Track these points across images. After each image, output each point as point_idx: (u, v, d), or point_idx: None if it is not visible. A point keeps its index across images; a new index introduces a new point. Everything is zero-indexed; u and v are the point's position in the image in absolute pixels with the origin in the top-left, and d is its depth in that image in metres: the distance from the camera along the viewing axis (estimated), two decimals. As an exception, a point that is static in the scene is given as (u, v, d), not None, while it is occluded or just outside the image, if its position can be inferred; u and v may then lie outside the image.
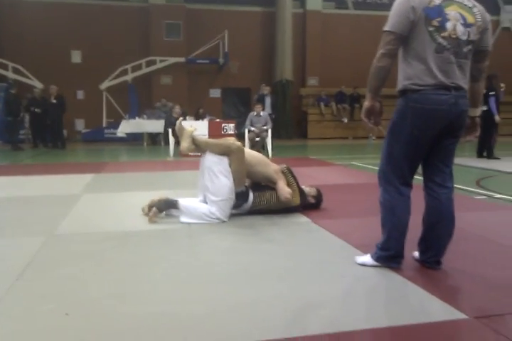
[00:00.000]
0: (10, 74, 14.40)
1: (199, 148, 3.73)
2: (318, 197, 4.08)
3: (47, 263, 2.69)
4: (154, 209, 3.64)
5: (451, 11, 2.29)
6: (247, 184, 3.83)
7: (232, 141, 3.69)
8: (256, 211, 3.80)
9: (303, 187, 4.00)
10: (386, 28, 2.32)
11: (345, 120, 15.66)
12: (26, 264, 2.64)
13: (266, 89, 12.38)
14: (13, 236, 3.29)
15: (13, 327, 1.90)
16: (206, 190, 3.62)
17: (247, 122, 9.98)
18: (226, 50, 15.62)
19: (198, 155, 3.86)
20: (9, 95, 11.89)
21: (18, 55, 14.59)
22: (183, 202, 3.66)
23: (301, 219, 3.76)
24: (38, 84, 13.99)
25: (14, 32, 14.78)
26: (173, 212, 3.71)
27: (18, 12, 14.79)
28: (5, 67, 14.44)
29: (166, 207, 3.69)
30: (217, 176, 3.57)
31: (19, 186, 5.60)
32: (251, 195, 3.76)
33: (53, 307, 2.07)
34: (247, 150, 3.91)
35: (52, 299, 2.16)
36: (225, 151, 3.64)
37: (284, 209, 3.85)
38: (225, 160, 3.63)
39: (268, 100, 12.06)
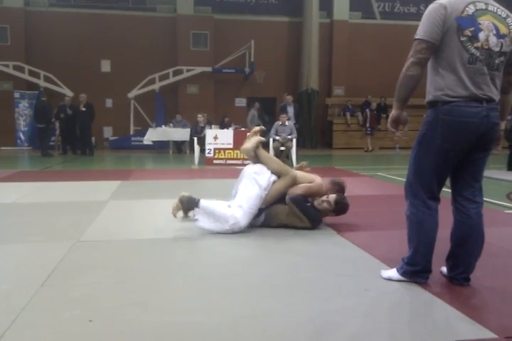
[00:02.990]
0: (41, 83, 14.81)
1: (257, 157, 3.82)
2: (338, 210, 3.77)
3: (72, 269, 2.73)
4: (177, 201, 3.73)
5: (485, 21, 2.24)
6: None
7: (289, 168, 3.87)
8: (268, 225, 3.73)
9: (316, 207, 3.74)
10: (417, 36, 2.27)
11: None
12: (51, 270, 2.68)
13: (288, 99, 12.37)
14: (40, 242, 3.35)
15: (37, 333, 1.92)
16: (237, 194, 3.63)
17: (272, 131, 9.99)
18: (252, 60, 15.73)
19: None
20: (39, 103, 12.21)
21: (49, 64, 14.99)
22: (204, 202, 3.63)
23: (326, 231, 3.72)
24: (69, 93, 14.32)
25: (46, 41, 15.19)
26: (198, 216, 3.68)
27: (50, 22, 15.21)
28: (37, 76, 14.86)
29: (187, 203, 3.69)
30: (253, 185, 3.61)
31: (48, 192, 5.71)
32: (263, 212, 3.72)
33: (77, 313, 2.09)
34: None
35: (76, 306, 2.18)
36: (280, 173, 3.73)
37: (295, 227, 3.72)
38: (268, 174, 3.69)
39: (291, 110, 12.03)
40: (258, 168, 3.76)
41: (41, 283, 2.46)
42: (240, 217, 3.51)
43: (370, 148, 14.35)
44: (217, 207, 3.59)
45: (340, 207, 3.75)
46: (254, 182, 3.62)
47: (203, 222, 3.59)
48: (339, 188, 3.91)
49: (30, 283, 2.47)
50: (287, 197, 3.68)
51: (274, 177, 3.73)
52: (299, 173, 3.89)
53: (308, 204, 3.78)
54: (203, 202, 3.63)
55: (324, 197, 3.73)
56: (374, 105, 14.81)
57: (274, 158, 4.00)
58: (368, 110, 14.62)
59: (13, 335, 1.89)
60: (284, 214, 3.70)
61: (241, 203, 3.55)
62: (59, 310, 2.12)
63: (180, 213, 3.82)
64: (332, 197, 3.72)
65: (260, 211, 3.67)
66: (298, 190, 3.71)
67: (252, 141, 3.85)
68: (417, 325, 2.03)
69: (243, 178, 3.71)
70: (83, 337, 1.89)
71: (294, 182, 3.75)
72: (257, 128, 4.08)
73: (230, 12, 16.32)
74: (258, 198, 3.58)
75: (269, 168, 3.75)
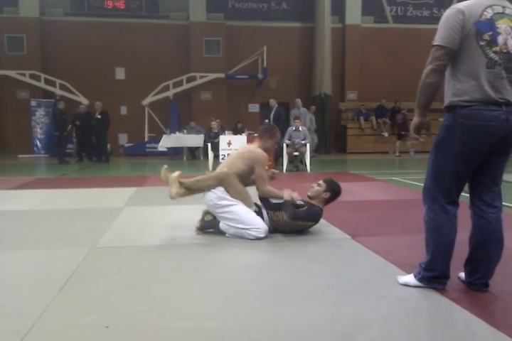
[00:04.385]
0: (57, 91, 15.03)
1: (190, 189, 3.75)
2: (330, 187, 3.74)
3: (88, 275, 2.75)
4: (198, 225, 3.74)
5: (502, 25, 2.21)
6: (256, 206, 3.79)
7: (219, 170, 3.79)
8: (274, 230, 3.71)
9: (309, 194, 3.77)
10: (435, 42, 2.25)
11: (386, 134, 15.42)
12: (69, 276, 2.70)
13: (271, 102, 12.25)
14: (57, 248, 3.38)
15: (55, 339, 1.94)
16: (230, 224, 3.63)
17: (286, 137, 9.98)
18: (265, 66, 15.77)
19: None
20: (55, 111, 12.38)
21: (65, 73, 15.21)
22: (223, 225, 3.68)
23: (341, 236, 3.70)
24: (84, 100, 14.51)
25: (61, 50, 15.44)
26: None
27: (65, 31, 15.46)
28: (53, 84, 15.08)
29: (207, 227, 3.77)
30: (227, 210, 3.61)
31: (64, 199, 5.77)
32: (265, 214, 3.71)
33: (93, 319, 2.10)
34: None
35: (92, 311, 2.19)
36: (217, 181, 3.68)
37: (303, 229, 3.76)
38: (220, 192, 3.64)
39: (271, 113, 11.93)
40: (210, 196, 3.68)
41: (59, 289, 2.49)
42: (253, 233, 3.54)
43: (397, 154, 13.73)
44: (235, 227, 3.62)
45: (330, 183, 3.78)
46: (226, 207, 3.61)
47: (230, 235, 3.66)
48: (270, 133, 3.96)
49: (48, 289, 2.49)
50: (286, 217, 3.64)
51: (221, 191, 3.66)
52: (232, 164, 3.81)
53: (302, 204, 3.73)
54: (222, 225, 3.68)
55: (313, 184, 3.81)
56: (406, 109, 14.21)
57: (199, 177, 3.80)
58: (403, 114, 13.89)
59: (31, 341, 1.90)
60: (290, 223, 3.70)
61: (240, 226, 3.57)
62: (76, 316, 2.14)
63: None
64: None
65: (259, 214, 3.68)
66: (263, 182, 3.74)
67: (172, 184, 3.70)
68: (435, 331, 2.00)
69: (215, 212, 3.70)
70: (100, 343, 1.89)
71: (232, 175, 3.65)
72: (164, 173, 3.83)
73: (242, 18, 16.41)
74: (243, 208, 3.61)
75: (205, 188, 3.70)
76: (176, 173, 3.77)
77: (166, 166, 3.89)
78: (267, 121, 11.95)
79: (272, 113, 11.80)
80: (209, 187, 3.68)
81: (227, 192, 3.65)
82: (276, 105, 11.98)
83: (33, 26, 15.28)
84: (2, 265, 3.01)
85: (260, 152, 3.84)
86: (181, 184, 3.72)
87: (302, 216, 3.66)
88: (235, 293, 2.45)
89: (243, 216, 3.58)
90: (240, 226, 3.57)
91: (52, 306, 2.26)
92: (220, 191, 3.65)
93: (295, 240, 3.55)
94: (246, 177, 3.79)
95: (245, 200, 3.68)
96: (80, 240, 3.61)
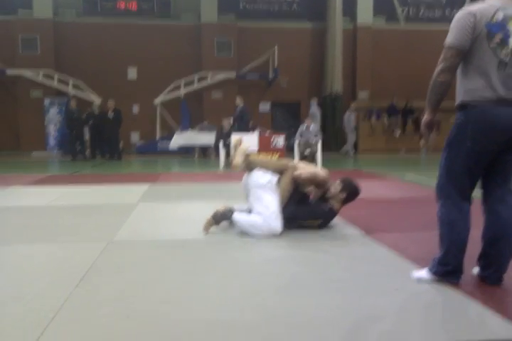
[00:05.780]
0: (70, 90, 15.18)
1: (251, 166, 3.81)
2: (347, 187, 3.74)
3: (105, 269, 2.80)
4: (210, 218, 3.71)
5: None
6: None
7: (287, 161, 3.88)
8: (288, 226, 3.72)
9: (327, 195, 3.77)
10: (447, 42, 2.31)
11: (397, 133, 15.37)
12: (86, 270, 2.75)
13: (237, 100, 12.13)
14: (74, 243, 3.44)
15: (76, 328, 1.98)
16: (255, 209, 3.66)
17: (297, 135, 10.03)
18: (276, 65, 15.80)
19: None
20: (66, 109, 12.53)
21: (78, 71, 15.39)
22: (238, 214, 3.69)
23: (354, 232, 3.72)
24: (97, 99, 14.66)
25: (74, 50, 15.63)
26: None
27: (78, 31, 15.66)
28: (66, 83, 15.26)
29: (221, 219, 3.73)
30: (264, 195, 3.63)
31: (79, 195, 5.85)
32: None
33: (112, 310, 2.15)
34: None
35: (111, 303, 2.24)
36: (281, 169, 3.74)
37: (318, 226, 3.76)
38: (272, 180, 3.68)
39: (237, 114, 11.86)
40: (256, 176, 3.72)
41: (78, 281, 2.54)
42: (272, 224, 3.55)
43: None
44: (249, 218, 3.64)
45: (347, 183, 3.76)
46: (264, 192, 3.63)
47: (242, 227, 3.65)
48: (355, 195, 3.82)
49: (68, 281, 2.54)
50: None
51: (275, 178, 3.72)
52: (301, 165, 3.88)
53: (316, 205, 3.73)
54: (235, 216, 3.67)
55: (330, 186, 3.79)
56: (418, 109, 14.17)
57: (266, 159, 3.94)
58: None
59: (53, 331, 1.94)
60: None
61: (266, 212, 3.57)
62: (95, 308, 2.18)
63: (213, 228, 3.78)
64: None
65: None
66: (303, 174, 3.68)
67: (240, 154, 3.82)
68: (450, 323, 2.02)
69: (250, 193, 3.72)
70: (119, 332, 1.94)
71: (295, 169, 3.73)
72: (237, 141, 3.98)
73: (253, 19, 16.44)
74: (275, 201, 3.62)
75: (268, 170, 3.76)
76: (247, 146, 3.91)
77: (241, 137, 4.11)
78: (232, 117, 12.00)
79: (237, 112, 11.79)
80: (270, 170, 3.76)
81: (277, 183, 3.70)
82: (242, 104, 11.91)
83: (46, 27, 15.48)
84: (21, 259, 3.08)
85: (326, 177, 3.77)
86: (246, 158, 3.82)
87: (301, 216, 3.69)
88: (251, 286, 2.48)
89: (273, 206, 3.59)
90: (264, 211, 3.56)
91: (71, 299, 2.30)
92: (274, 178, 3.70)
93: (308, 236, 3.58)
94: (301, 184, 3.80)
95: (282, 197, 3.68)
96: (97, 235, 3.67)
